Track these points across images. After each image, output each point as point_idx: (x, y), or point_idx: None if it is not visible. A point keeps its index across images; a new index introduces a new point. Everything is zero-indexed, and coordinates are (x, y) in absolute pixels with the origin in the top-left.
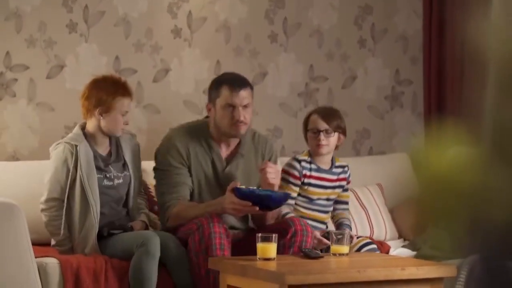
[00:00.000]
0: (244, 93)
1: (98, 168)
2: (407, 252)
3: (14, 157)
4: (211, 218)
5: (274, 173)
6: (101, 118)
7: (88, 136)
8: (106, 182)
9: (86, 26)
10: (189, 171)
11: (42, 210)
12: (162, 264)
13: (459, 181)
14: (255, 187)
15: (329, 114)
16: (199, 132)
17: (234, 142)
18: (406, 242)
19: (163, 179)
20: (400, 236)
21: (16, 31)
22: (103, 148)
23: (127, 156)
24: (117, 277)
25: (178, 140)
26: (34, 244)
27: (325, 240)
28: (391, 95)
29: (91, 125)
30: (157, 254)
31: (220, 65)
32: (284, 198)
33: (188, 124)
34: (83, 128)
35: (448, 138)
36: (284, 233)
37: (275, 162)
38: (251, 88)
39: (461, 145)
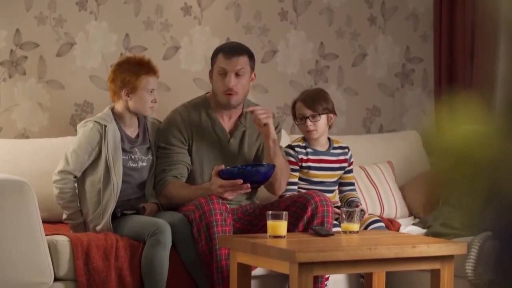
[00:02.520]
0: (237, 60)
1: (124, 150)
2: (418, 230)
3: (24, 135)
4: (209, 196)
5: (264, 112)
6: (129, 99)
7: (117, 117)
8: (130, 164)
9: (96, 4)
10: (191, 149)
11: (54, 181)
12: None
13: (475, 154)
14: (238, 166)
15: (313, 99)
16: (200, 107)
17: (235, 114)
18: (417, 220)
19: (163, 157)
20: (410, 214)
21: (26, 9)
22: (132, 130)
23: (152, 140)
24: (127, 255)
25: (180, 120)
26: (44, 222)
27: (336, 210)
28: (402, 72)
29: (119, 107)
30: (169, 244)
31: None
32: (272, 169)
33: (188, 102)
34: (112, 109)
35: (459, 115)
36: (303, 207)
37: (279, 131)
38: (249, 56)
39: (472, 122)
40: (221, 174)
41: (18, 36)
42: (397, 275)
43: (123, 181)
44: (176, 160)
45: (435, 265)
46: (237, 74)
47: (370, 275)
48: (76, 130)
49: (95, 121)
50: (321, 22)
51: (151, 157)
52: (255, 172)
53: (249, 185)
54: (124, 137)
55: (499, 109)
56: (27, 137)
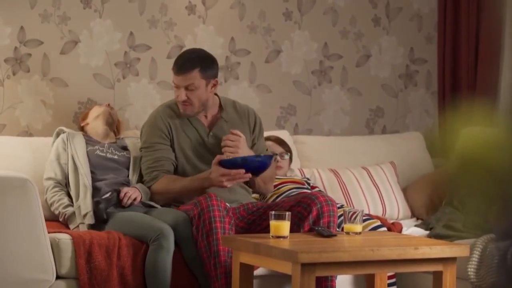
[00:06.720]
0: (185, 77)
1: (90, 144)
2: (420, 231)
3: (28, 132)
4: (207, 194)
5: (235, 143)
6: (86, 123)
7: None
8: (99, 153)
9: (101, 2)
10: (172, 144)
11: (45, 188)
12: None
13: (490, 159)
14: (238, 156)
15: (282, 140)
16: (176, 107)
17: (212, 111)
18: (419, 221)
19: (147, 156)
20: (413, 215)
21: (31, 6)
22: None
23: (131, 152)
24: (129, 254)
25: (158, 118)
26: (46, 220)
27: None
28: (405, 73)
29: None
30: (172, 248)
31: (235, 42)
32: (271, 159)
33: (165, 103)
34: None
35: (463, 117)
36: (307, 207)
37: (260, 129)
38: (202, 69)
39: (475, 124)
40: (223, 163)
41: (22, 34)
42: (400, 276)
43: (101, 169)
44: (160, 156)
45: (438, 267)
46: (187, 89)
47: (372, 277)
48: (78, 128)
49: (62, 133)
50: (325, 22)
51: (127, 155)
52: (256, 162)
53: (250, 174)
54: (90, 141)
55: (503, 111)
56: (31, 135)
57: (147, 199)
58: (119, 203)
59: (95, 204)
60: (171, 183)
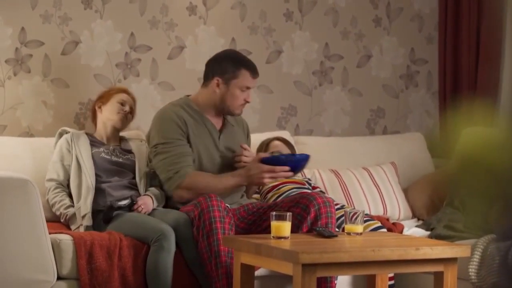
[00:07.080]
0: (257, 79)
1: (95, 146)
2: (421, 232)
3: (29, 133)
4: (207, 194)
5: (249, 158)
6: (101, 111)
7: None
8: (104, 155)
9: (101, 2)
10: (188, 142)
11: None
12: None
13: (490, 159)
14: (278, 154)
15: (289, 142)
16: (187, 107)
17: (219, 114)
18: (420, 222)
19: (168, 152)
20: (413, 216)
21: (32, 7)
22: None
23: (136, 156)
24: (131, 255)
25: (174, 115)
26: (47, 221)
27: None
28: (406, 74)
29: (96, 121)
30: (172, 249)
31: (235, 42)
32: (306, 161)
33: (174, 102)
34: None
35: (463, 117)
36: (305, 208)
37: (250, 137)
38: None
39: (476, 124)
40: (266, 161)
41: (23, 34)
42: (401, 277)
43: (105, 172)
44: (184, 151)
45: (439, 268)
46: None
47: (373, 277)
48: (80, 129)
49: (66, 133)
50: (326, 23)
51: (131, 158)
52: (295, 162)
53: (292, 172)
54: (95, 141)
55: (504, 111)
56: (32, 135)
57: (161, 206)
58: (130, 210)
59: (109, 208)
60: (203, 179)
